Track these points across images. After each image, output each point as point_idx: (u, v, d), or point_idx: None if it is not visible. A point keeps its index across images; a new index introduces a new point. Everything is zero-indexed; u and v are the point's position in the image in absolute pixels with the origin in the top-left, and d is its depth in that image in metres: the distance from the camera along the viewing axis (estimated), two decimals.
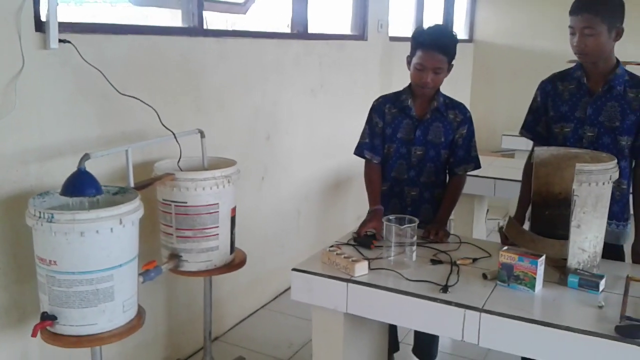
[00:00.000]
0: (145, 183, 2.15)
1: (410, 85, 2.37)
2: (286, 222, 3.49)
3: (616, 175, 1.93)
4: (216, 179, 2.25)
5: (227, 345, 2.97)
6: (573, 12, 2.06)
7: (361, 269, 1.92)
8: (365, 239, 2.16)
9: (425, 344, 2.61)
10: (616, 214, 2.16)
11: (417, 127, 2.33)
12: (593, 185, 1.88)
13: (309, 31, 3.64)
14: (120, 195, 2.00)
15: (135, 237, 1.94)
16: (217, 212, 2.29)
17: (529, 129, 2.32)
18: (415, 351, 2.67)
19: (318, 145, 3.73)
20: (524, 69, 6.87)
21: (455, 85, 6.50)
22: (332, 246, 2.10)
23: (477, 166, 2.41)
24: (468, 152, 2.36)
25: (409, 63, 2.31)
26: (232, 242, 2.39)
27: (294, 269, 1.99)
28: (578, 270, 1.86)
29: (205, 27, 2.82)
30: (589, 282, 1.81)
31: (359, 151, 2.43)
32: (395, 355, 2.73)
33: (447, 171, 2.42)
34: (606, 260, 2.02)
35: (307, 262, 2.04)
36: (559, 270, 1.94)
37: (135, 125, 2.40)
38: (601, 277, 1.82)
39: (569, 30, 2.09)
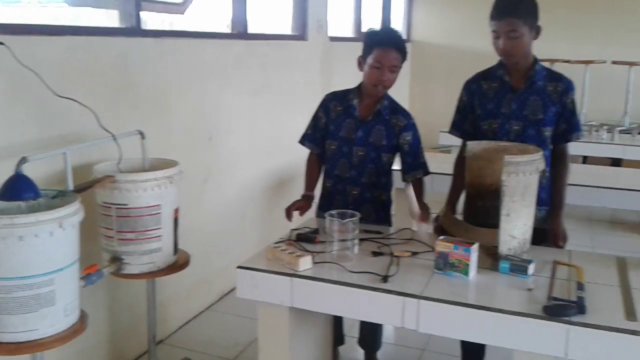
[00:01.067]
0: (85, 186, 2.13)
1: (359, 85, 2.43)
2: (231, 222, 3.50)
3: (542, 166, 2.06)
4: (158, 180, 2.25)
5: (172, 347, 2.96)
6: (496, 17, 2.17)
7: (305, 264, 1.96)
8: (309, 235, 2.21)
9: (370, 335, 2.68)
10: (543, 199, 2.30)
11: (359, 128, 2.39)
12: (521, 176, 1.99)
13: (249, 31, 3.66)
14: (60, 198, 1.97)
15: (75, 241, 1.92)
16: (160, 213, 2.28)
17: (457, 128, 2.43)
18: (360, 342, 2.74)
19: (261, 145, 3.75)
20: (460, 67, 7.05)
21: (394, 85, 6.68)
22: (276, 243, 2.14)
23: (426, 172, 2.47)
24: (416, 158, 2.42)
25: (360, 64, 2.36)
26: (175, 244, 2.39)
27: (239, 267, 2.01)
28: (509, 256, 1.97)
29: (143, 27, 2.79)
30: (518, 267, 1.92)
31: (301, 140, 2.54)
32: (341, 348, 2.80)
33: (390, 174, 2.48)
34: (535, 246, 2.14)
35: (251, 260, 2.06)
36: (491, 257, 2.04)
37: (73, 128, 2.36)
38: (530, 262, 1.94)
39: (492, 34, 2.21)
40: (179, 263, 2.43)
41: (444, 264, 1.93)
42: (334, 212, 2.07)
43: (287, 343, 2.00)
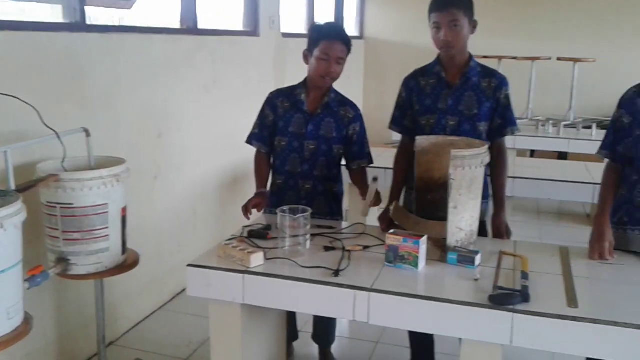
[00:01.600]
0: (28, 185, 2.06)
1: (305, 80, 2.44)
2: (182, 220, 3.45)
3: (487, 159, 2.11)
4: (104, 178, 2.19)
5: (123, 349, 2.90)
6: (438, 8, 2.22)
7: (257, 260, 1.95)
8: (260, 231, 2.20)
9: (324, 329, 2.70)
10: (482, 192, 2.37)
11: (309, 122, 2.40)
12: (467, 169, 2.03)
13: (199, 27, 3.61)
14: (1, 198, 1.90)
15: (18, 242, 1.85)
16: (107, 212, 2.23)
17: (397, 124, 2.47)
18: (314, 337, 2.75)
19: (213, 142, 3.71)
20: (412, 64, 7.10)
21: (348, 81, 6.68)
22: (228, 240, 2.12)
23: (370, 161, 2.52)
24: (362, 148, 2.47)
25: (306, 57, 2.38)
26: (123, 243, 2.34)
27: (189, 265, 1.99)
28: (457, 248, 2.02)
29: (88, 22, 2.72)
30: (466, 258, 1.96)
31: (248, 140, 2.53)
32: (295, 343, 2.80)
33: (340, 165, 2.50)
34: (482, 238, 2.20)
35: (203, 257, 2.04)
36: (441, 249, 2.08)
37: (15, 126, 2.28)
38: (477, 252, 1.98)
39: (432, 26, 2.26)
40: (127, 263, 2.39)
41: (394, 257, 1.95)
42: (285, 207, 2.07)
43: (240, 340, 1.99)
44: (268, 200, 2.42)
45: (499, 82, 2.33)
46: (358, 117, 2.46)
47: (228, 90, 3.83)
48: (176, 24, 3.53)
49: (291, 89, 2.47)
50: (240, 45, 4.00)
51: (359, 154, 2.48)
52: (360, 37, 7.06)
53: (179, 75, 3.33)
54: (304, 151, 2.42)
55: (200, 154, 3.59)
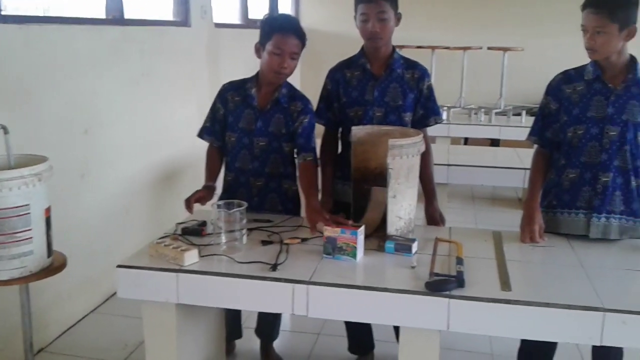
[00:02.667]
0: None
1: (257, 74, 2.35)
2: (113, 220, 3.31)
3: (423, 148, 2.13)
4: (24, 177, 2.06)
5: (53, 355, 2.76)
6: (366, 0, 2.23)
7: (191, 258, 1.89)
8: (195, 228, 2.14)
9: (267, 324, 2.65)
10: None
11: (258, 118, 2.32)
12: (405, 158, 2.05)
13: (127, 17, 3.47)
14: None
15: None
16: (29, 213, 2.09)
17: (321, 116, 2.45)
18: (257, 332, 2.70)
19: (145, 137, 3.58)
20: (349, 54, 7.22)
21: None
22: (160, 238, 2.04)
23: (315, 157, 2.41)
24: (308, 141, 2.35)
25: (258, 50, 2.29)
26: (49, 245, 2.21)
27: (119, 266, 1.90)
28: (394, 237, 2.02)
29: (4, 12, 2.55)
30: (403, 246, 1.97)
31: (200, 133, 2.43)
32: (239, 341, 2.75)
33: (292, 161, 2.42)
34: (419, 225, 2.21)
35: (133, 257, 1.96)
36: (380, 238, 2.08)
37: None
38: (413, 240, 1.99)
39: (360, 17, 2.27)
40: (54, 266, 2.26)
41: (333, 249, 1.94)
42: (220, 202, 2.01)
43: (175, 341, 1.92)
44: (214, 195, 2.32)
45: (421, 73, 2.37)
46: (307, 110, 2.34)
47: (159, 83, 3.69)
48: (101, 14, 3.37)
49: (243, 82, 2.37)
50: (171, 36, 3.87)
51: (305, 147, 2.33)
52: None
53: (106, 68, 3.19)
54: (254, 148, 2.34)
55: (131, 150, 3.45)
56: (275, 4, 6.43)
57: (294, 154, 2.41)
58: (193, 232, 2.12)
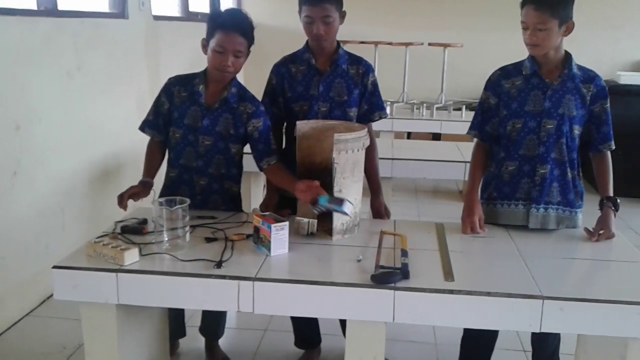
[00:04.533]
0: None
1: (206, 69, 2.28)
2: (48, 219, 3.17)
3: (368, 142, 2.14)
4: None
5: None
6: (310, 3, 2.23)
7: (131, 257, 1.83)
8: (135, 226, 2.07)
9: (212, 322, 2.60)
10: None
11: (205, 116, 2.25)
12: (350, 153, 2.06)
13: (60, 8, 3.31)
14: None
15: None
16: None
17: (266, 111, 2.35)
18: (201, 330, 2.64)
19: (80, 133, 3.43)
20: (293, 48, 7.14)
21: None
22: (98, 237, 1.97)
23: (278, 158, 2.35)
24: (268, 145, 2.29)
25: (204, 47, 2.22)
26: None
27: (55, 267, 1.82)
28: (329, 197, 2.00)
29: None
30: (335, 200, 1.98)
31: (141, 127, 2.34)
32: (183, 340, 2.69)
33: (240, 165, 2.36)
34: (364, 219, 2.23)
35: (71, 257, 1.88)
36: (327, 232, 2.08)
37: None
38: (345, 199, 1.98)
39: (305, 19, 2.27)
40: None
41: (257, 239, 1.94)
42: (161, 199, 1.96)
43: (116, 343, 1.86)
44: (150, 192, 2.24)
45: (366, 68, 2.39)
46: (259, 112, 2.27)
47: (95, 77, 3.55)
48: (32, 5, 3.21)
49: (190, 78, 2.29)
50: (107, 28, 3.73)
51: (266, 152, 2.28)
52: None
53: (38, 61, 3.04)
54: (198, 146, 2.26)
55: (67, 147, 3.30)
56: None
57: (241, 157, 2.35)
58: (133, 231, 2.05)
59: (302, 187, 2.05)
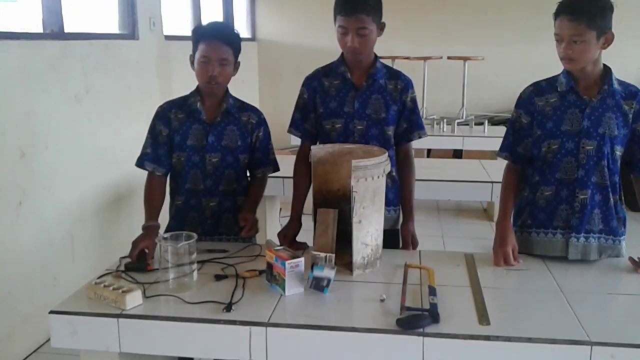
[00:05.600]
0: None
1: (198, 87, 2.19)
2: (56, 250, 3.05)
3: (389, 168, 1.98)
4: None
5: None
6: (345, 12, 2.05)
7: (133, 300, 1.68)
8: (139, 263, 1.92)
9: None
10: (392, 200, 2.25)
11: (209, 132, 2.16)
12: (369, 180, 1.89)
13: (67, 30, 3.22)
14: None
15: None
16: None
17: (297, 127, 2.29)
18: None
19: (89, 158, 3.32)
20: (307, 66, 6.99)
21: (243, 85, 6.44)
22: (100, 277, 1.83)
23: (276, 169, 2.33)
24: (266, 154, 2.27)
25: (192, 63, 2.14)
26: None
27: (52, 312, 1.69)
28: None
29: None
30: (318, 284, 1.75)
31: (139, 162, 2.21)
32: None
33: (246, 176, 2.30)
34: (387, 250, 2.05)
35: (69, 301, 1.74)
36: (346, 266, 1.92)
37: None
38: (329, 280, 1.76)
39: (339, 29, 2.09)
40: None
41: (270, 276, 1.78)
42: (166, 235, 1.81)
43: None
44: (159, 229, 2.09)
45: (405, 84, 2.21)
46: (262, 121, 2.26)
47: (104, 100, 3.45)
48: (38, 28, 3.12)
49: (183, 99, 2.21)
50: (116, 50, 3.64)
51: (264, 161, 2.28)
52: (252, 39, 6.84)
53: (43, 85, 2.94)
54: (206, 165, 2.17)
55: (75, 173, 3.19)
56: (229, 14, 6.25)
57: (247, 167, 2.28)
58: (138, 268, 1.91)
59: (244, 218, 2.12)
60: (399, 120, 2.22)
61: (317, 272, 1.75)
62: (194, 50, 2.13)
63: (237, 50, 2.15)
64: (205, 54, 2.08)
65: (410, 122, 2.23)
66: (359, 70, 2.19)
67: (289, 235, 2.18)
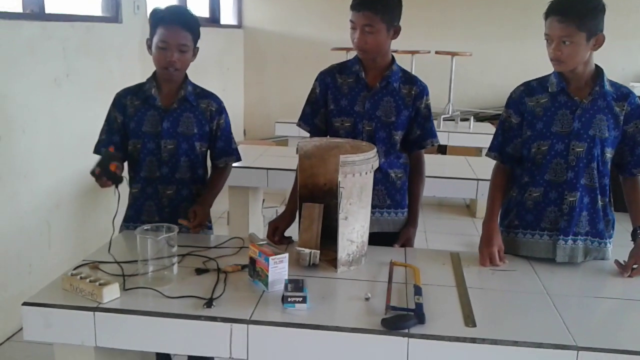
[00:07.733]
0: None
1: (155, 73, 2.14)
2: (32, 237, 2.97)
3: (377, 164, 1.94)
4: None
5: None
6: (354, 7, 2.02)
7: (111, 293, 1.63)
8: (114, 176, 1.91)
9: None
10: (399, 202, 2.23)
11: (164, 119, 2.11)
12: (357, 176, 1.86)
13: (47, 11, 3.12)
14: None
15: None
16: None
17: (306, 121, 2.24)
18: None
19: (68, 144, 3.24)
20: (293, 55, 6.99)
21: (228, 73, 6.36)
22: (76, 268, 1.77)
23: (238, 158, 2.29)
24: (229, 143, 2.24)
25: (149, 47, 2.09)
26: None
27: (25, 303, 1.63)
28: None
29: None
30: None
31: (96, 149, 2.17)
32: None
33: (204, 164, 2.24)
34: (372, 246, 2.02)
35: (43, 292, 1.68)
36: (330, 262, 1.88)
37: None
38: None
39: (350, 24, 2.05)
40: None
41: (253, 272, 1.74)
42: (146, 227, 1.75)
43: None
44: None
45: (420, 90, 2.16)
46: (222, 109, 2.21)
47: (85, 84, 3.36)
48: (18, 8, 3.02)
49: (139, 86, 2.17)
50: (98, 33, 3.54)
51: (227, 150, 2.24)
52: (239, 27, 6.74)
53: (22, 68, 2.84)
54: (161, 152, 2.12)
55: (53, 159, 3.11)
56: (216, 2, 6.14)
57: (206, 156, 2.23)
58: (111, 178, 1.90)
59: (193, 211, 2.09)
60: (412, 126, 2.18)
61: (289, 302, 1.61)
62: (152, 34, 2.07)
63: (196, 36, 2.10)
64: (164, 39, 2.02)
65: (423, 129, 2.19)
66: (374, 71, 2.14)
67: (280, 228, 2.13)
